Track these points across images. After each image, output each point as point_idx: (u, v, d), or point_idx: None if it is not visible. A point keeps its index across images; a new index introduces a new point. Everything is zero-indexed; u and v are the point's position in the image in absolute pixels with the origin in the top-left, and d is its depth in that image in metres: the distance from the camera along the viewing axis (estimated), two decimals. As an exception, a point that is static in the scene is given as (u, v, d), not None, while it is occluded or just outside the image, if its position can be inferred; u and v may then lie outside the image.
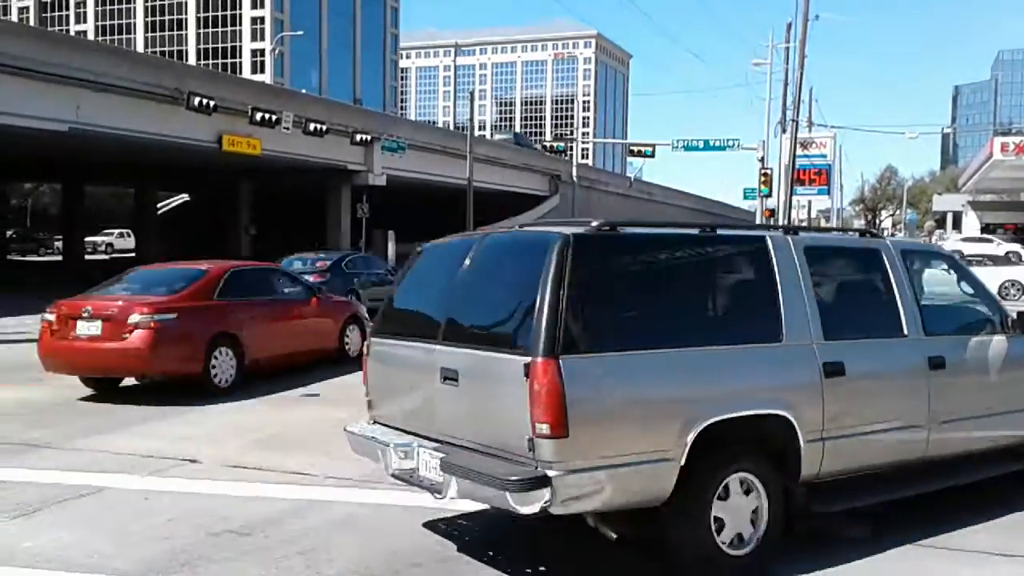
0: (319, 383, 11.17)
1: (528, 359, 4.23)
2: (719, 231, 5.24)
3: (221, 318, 10.58)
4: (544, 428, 4.15)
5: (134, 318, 9.75)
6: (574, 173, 63.53)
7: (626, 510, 4.50)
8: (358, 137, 38.90)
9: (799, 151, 36.85)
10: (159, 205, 57.14)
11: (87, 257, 53.30)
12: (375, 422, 5.55)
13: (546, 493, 4.14)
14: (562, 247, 4.40)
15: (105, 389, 10.44)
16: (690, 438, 4.41)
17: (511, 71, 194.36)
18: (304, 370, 11.74)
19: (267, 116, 32.09)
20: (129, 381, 10.71)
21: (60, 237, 56.00)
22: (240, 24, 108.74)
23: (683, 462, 4.40)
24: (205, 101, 29.30)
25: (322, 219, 42.70)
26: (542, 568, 4.95)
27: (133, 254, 56.40)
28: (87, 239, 55.93)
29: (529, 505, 4.17)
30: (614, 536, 4.66)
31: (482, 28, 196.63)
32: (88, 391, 10.40)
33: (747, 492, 4.72)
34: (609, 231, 4.68)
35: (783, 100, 39.90)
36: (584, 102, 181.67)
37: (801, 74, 36.54)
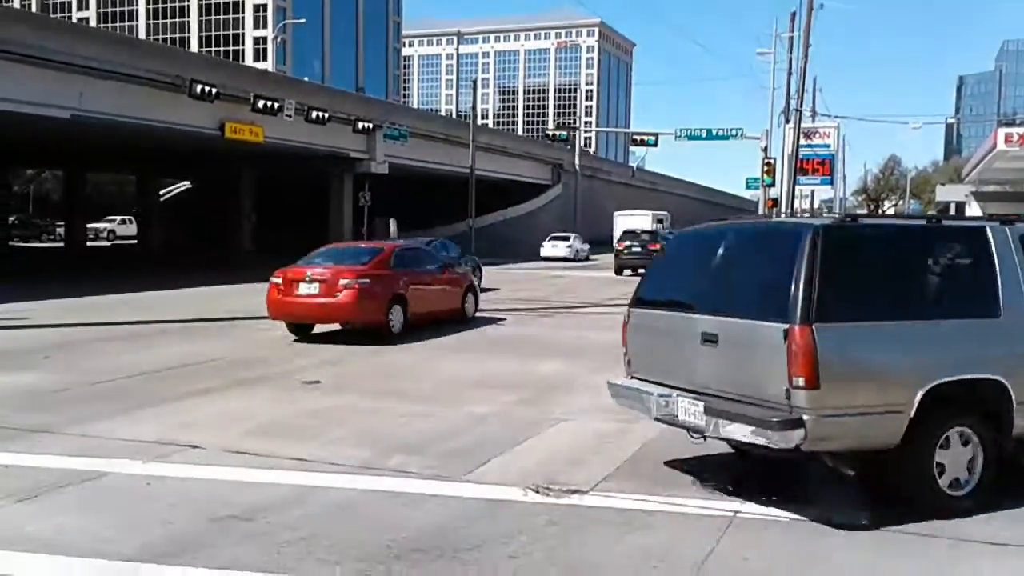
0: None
1: (786, 326, 5.25)
2: (944, 222, 6.20)
3: (395, 283, 14.37)
4: (800, 381, 5.17)
5: (343, 281, 13.62)
6: (577, 162, 63.43)
7: (860, 452, 5.52)
8: (360, 125, 38.86)
9: (802, 141, 36.73)
10: (161, 192, 57.14)
11: (89, 244, 53.36)
12: (633, 377, 6.67)
13: (800, 433, 5.14)
14: (814, 235, 5.40)
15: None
16: (919, 396, 5.36)
17: (514, 59, 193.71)
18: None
19: (269, 104, 32.05)
20: (320, 328, 14.46)
21: (62, 224, 55.99)
22: (242, 12, 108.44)
23: (912, 415, 5.35)
24: (207, 88, 29.27)
25: (324, 207, 42.70)
26: (521, 558, 4.96)
27: (135, 241, 56.44)
28: (89, 226, 55.94)
29: (786, 442, 5.17)
30: (851, 473, 5.71)
31: (485, 16, 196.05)
32: (92, 379, 10.43)
33: (965, 444, 5.64)
34: (851, 222, 5.80)
35: (787, 89, 39.74)
36: (587, 91, 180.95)
37: (805, 63, 36.40)
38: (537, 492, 6.04)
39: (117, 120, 28.20)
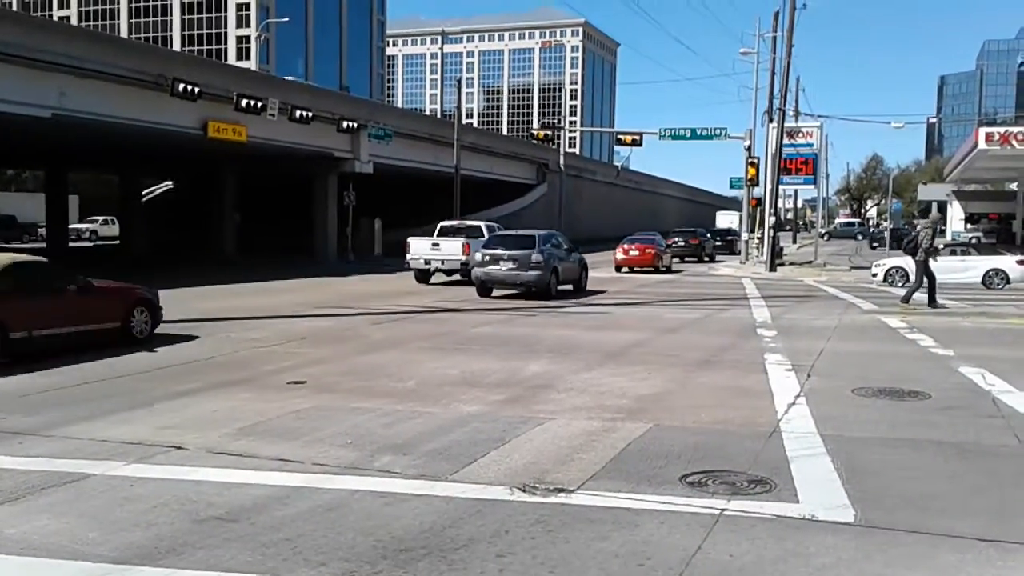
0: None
1: None
2: None
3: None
4: None
5: (650, 249, 34.52)
6: (562, 162, 63.47)
7: None
8: (344, 124, 38.72)
9: (786, 140, 36.92)
10: (144, 192, 56.72)
11: (71, 244, 52.92)
12: None
13: None
14: None
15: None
16: None
17: (498, 59, 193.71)
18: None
19: (252, 103, 31.89)
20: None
21: (44, 224, 55.50)
22: (225, 10, 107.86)
23: None
24: (189, 87, 29.09)
25: (308, 206, 42.53)
26: (508, 557, 4.95)
27: (117, 241, 56.01)
28: (71, 226, 55.47)
29: None
30: None
31: (469, 16, 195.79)
32: (76, 380, 10.36)
33: None
34: None
35: (770, 89, 39.94)
36: (572, 90, 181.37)
37: (788, 63, 36.62)
38: (524, 491, 6.03)
39: (99, 119, 27.99)
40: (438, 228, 28.68)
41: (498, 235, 24.66)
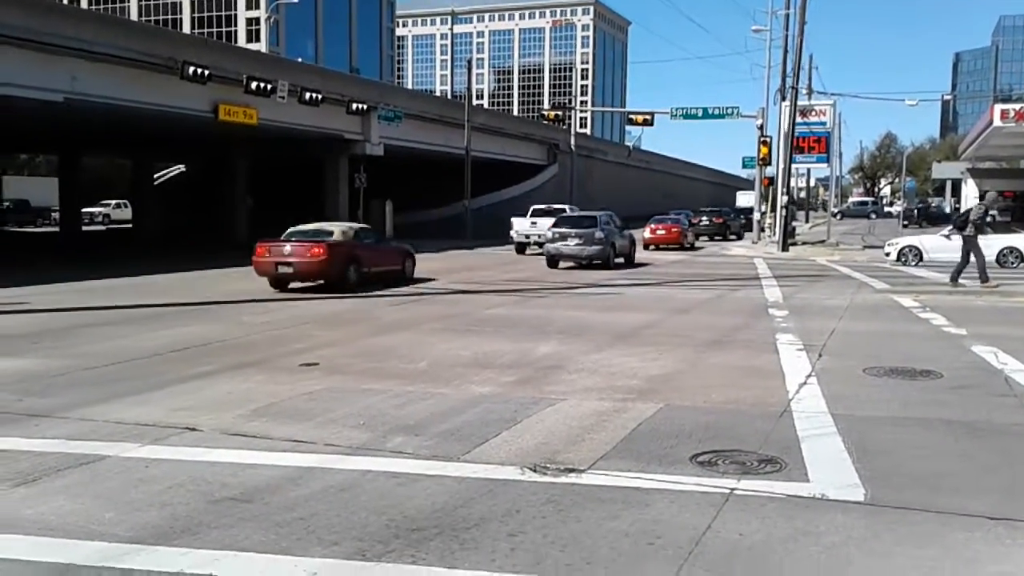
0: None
1: None
2: None
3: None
4: None
5: (675, 228, 37.43)
6: (572, 142, 63.27)
7: None
8: (354, 106, 38.68)
9: (798, 119, 36.67)
10: (156, 176, 56.89)
11: (84, 228, 53.19)
12: None
13: None
14: None
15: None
16: None
17: (508, 39, 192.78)
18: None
19: (262, 85, 31.89)
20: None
21: (57, 208, 55.76)
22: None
23: None
24: (200, 70, 29.11)
25: (319, 189, 42.58)
26: (519, 536, 4.99)
27: (130, 225, 56.27)
28: (84, 210, 55.71)
29: None
30: None
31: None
32: (90, 363, 10.46)
33: None
34: None
35: (783, 67, 39.64)
36: (583, 70, 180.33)
37: (801, 41, 36.29)
38: (535, 471, 6.07)
39: (110, 103, 28.06)
40: (530, 210, 35.04)
41: (565, 216, 28.91)
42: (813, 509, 5.33)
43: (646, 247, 35.41)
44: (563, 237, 26.14)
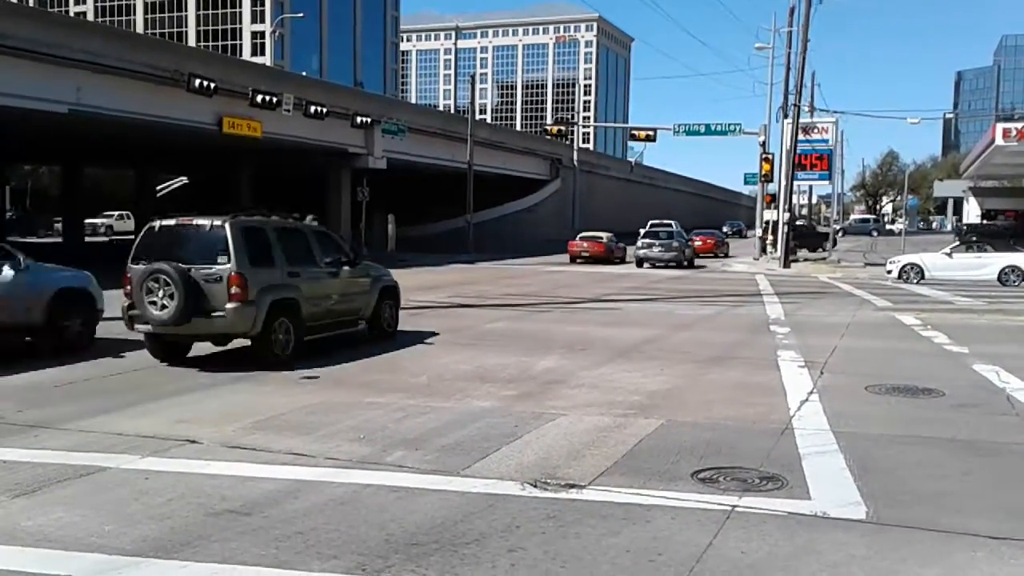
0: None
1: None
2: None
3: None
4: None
5: (711, 240, 47.30)
6: (575, 157, 63.45)
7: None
8: (358, 120, 38.81)
9: (800, 136, 36.76)
10: (159, 188, 57.01)
11: (87, 239, 53.24)
12: None
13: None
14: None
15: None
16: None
17: (512, 54, 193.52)
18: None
19: (267, 98, 32.01)
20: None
21: (60, 219, 55.84)
22: (240, 6, 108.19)
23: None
24: (205, 83, 29.24)
25: (323, 202, 42.61)
26: (519, 552, 4.97)
27: (132, 236, 56.32)
28: (87, 221, 55.79)
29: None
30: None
31: (483, 11, 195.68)
32: (90, 374, 10.43)
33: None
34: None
35: (785, 85, 39.74)
36: (585, 86, 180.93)
37: (803, 59, 36.44)
38: (535, 486, 6.05)
39: (115, 114, 28.16)
40: (648, 224, 39.11)
41: (649, 230, 37.34)
42: (815, 527, 5.30)
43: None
44: (649, 246, 35.77)
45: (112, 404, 8.69)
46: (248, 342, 11.11)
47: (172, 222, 11.44)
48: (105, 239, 59.98)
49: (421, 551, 4.90)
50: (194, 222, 11.26)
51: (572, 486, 6.06)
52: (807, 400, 9.04)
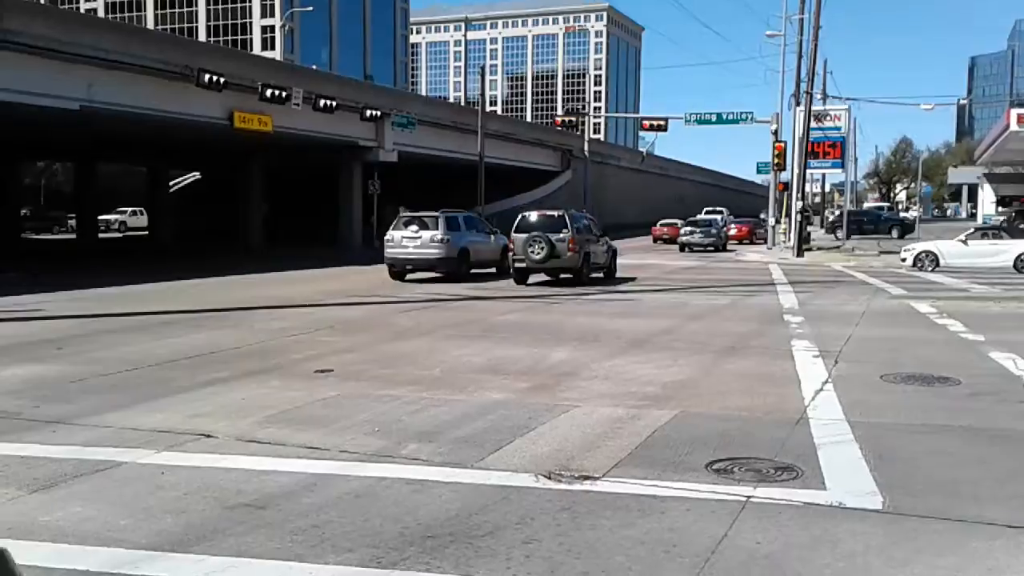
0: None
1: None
2: None
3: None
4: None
5: (746, 228, 51.24)
6: (586, 148, 63.20)
7: None
8: (368, 113, 38.82)
9: (813, 124, 36.54)
10: (171, 183, 57.22)
11: (100, 235, 53.54)
12: None
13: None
14: None
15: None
16: None
17: (522, 45, 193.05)
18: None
19: (277, 92, 32.07)
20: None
21: (73, 215, 56.16)
22: (250, 0, 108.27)
23: None
24: (215, 78, 29.30)
25: (334, 195, 42.74)
26: (534, 544, 4.97)
27: (146, 232, 56.61)
28: (100, 217, 56.08)
29: None
30: None
31: (492, 2, 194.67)
32: (106, 369, 10.49)
33: None
34: None
35: (797, 72, 39.52)
36: (596, 76, 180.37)
37: (815, 45, 36.21)
38: (550, 478, 6.04)
39: (126, 110, 28.27)
40: (703, 211, 49.96)
41: (691, 220, 44.19)
42: (830, 517, 5.28)
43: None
44: (691, 233, 41.59)
45: (127, 399, 8.73)
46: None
47: (535, 214, 23.00)
48: (119, 235, 60.31)
49: (436, 543, 4.90)
50: (547, 213, 23.08)
51: (586, 478, 6.05)
52: (822, 390, 8.99)
